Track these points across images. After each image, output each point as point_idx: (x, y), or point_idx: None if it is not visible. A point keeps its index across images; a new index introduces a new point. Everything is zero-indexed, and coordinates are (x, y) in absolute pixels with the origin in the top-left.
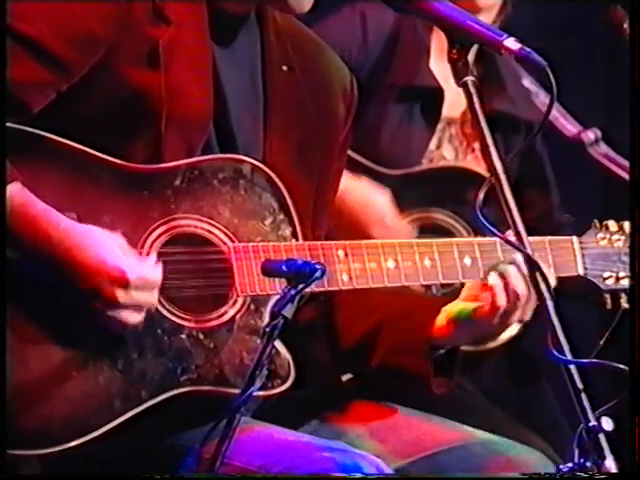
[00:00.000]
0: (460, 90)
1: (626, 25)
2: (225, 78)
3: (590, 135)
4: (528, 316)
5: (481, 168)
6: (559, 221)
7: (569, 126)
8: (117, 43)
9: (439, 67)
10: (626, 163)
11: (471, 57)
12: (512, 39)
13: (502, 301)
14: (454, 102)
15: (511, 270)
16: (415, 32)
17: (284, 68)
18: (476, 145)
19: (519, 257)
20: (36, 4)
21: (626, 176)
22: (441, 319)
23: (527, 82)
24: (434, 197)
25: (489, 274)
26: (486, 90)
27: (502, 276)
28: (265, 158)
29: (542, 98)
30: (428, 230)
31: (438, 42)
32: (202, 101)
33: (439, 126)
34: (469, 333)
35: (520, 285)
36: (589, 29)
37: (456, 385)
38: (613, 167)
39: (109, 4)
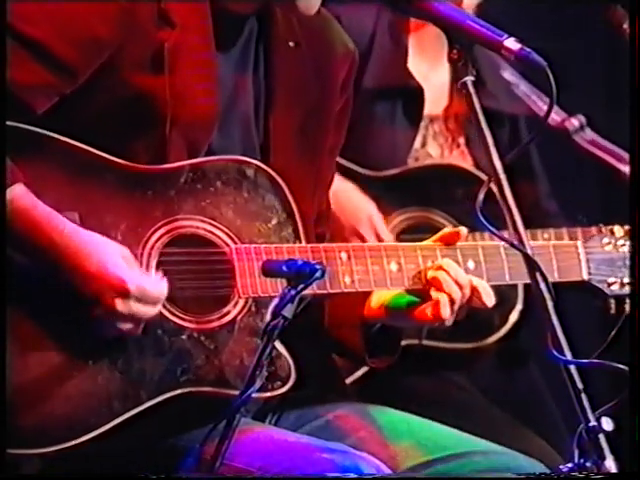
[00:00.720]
0: (441, 87)
1: (626, 25)
2: (226, 80)
3: (574, 122)
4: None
5: (467, 164)
6: (547, 211)
7: (553, 114)
8: (122, 46)
9: (417, 66)
10: (613, 147)
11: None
12: (512, 39)
13: (447, 314)
14: (435, 99)
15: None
16: (392, 33)
17: (291, 44)
18: (461, 140)
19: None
20: (42, 7)
21: (613, 162)
22: (374, 300)
23: (507, 74)
24: (423, 196)
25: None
26: None
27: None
28: (268, 142)
29: (522, 88)
30: (420, 230)
31: (415, 41)
32: (207, 103)
33: (422, 124)
34: (399, 321)
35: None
36: (589, 29)
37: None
38: (600, 153)
39: (114, 7)
